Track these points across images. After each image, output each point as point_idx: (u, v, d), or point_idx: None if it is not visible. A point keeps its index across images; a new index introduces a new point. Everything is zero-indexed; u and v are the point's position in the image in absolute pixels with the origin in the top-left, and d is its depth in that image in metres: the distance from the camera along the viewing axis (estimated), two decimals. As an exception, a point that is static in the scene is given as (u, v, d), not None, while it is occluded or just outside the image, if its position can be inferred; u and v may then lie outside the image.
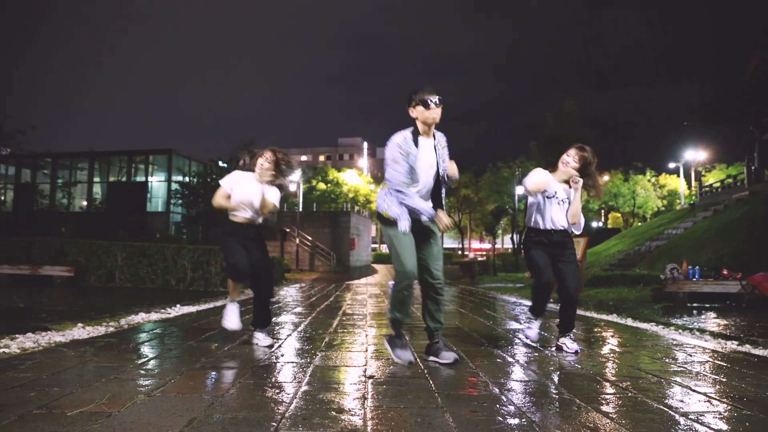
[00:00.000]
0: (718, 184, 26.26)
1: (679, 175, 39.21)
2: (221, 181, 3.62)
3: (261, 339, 3.59)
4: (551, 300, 4.09)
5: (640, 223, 35.50)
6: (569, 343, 3.52)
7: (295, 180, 44.84)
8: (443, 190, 3.04)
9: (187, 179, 24.68)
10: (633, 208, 41.81)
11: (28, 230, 17.89)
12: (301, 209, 37.13)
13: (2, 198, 28.77)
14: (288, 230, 30.62)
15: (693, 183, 37.98)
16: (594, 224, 44.25)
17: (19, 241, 10.97)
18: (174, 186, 25.76)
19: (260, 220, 3.65)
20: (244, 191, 3.54)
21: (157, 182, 28.71)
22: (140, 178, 28.36)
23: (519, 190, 24.64)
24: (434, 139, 2.99)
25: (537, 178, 3.52)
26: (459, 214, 50.28)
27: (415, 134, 2.93)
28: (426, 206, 2.91)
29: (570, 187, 3.51)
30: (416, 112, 2.91)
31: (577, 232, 3.64)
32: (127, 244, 10.45)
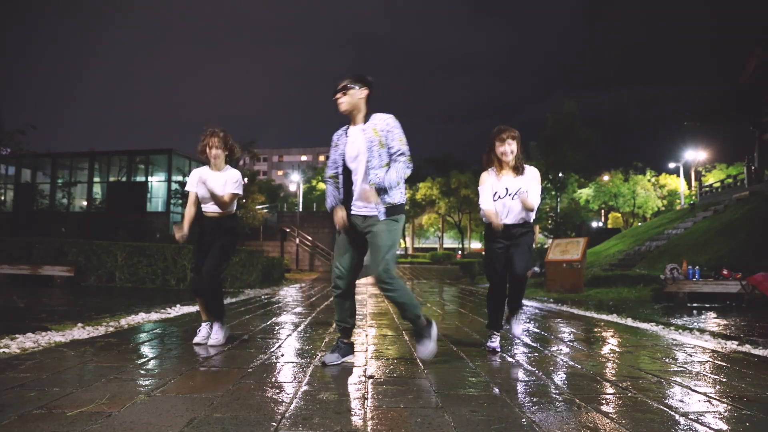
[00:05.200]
0: (718, 184, 26.25)
1: (679, 175, 39.18)
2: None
3: (213, 333, 3.44)
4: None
5: (640, 223, 35.49)
6: (514, 326, 3.50)
7: (295, 180, 44.90)
8: (365, 179, 2.76)
9: (187, 179, 24.61)
10: (633, 208, 41.79)
11: (28, 230, 17.89)
12: (301, 209, 37.14)
13: (2, 198, 28.76)
14: (288, 230, 30.61)
15: (693, 183, 37.95)
16: (594, 224, 44.24)
17: (19, 241, 10.97)
18: (174, 186, 25.76)
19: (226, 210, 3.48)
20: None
21: (157, 182, 28.69)
22: (140, 178, 28.34)
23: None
24: (364, 123, 2.78)
25: (487, 209, 3.37)
26: (459, 214, 50.28)
27: (348, 126, 2.88)
28: (331, 200, 2.88)
29: (519, 174, 3.36)
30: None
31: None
32: (127, 244, 10.45)
